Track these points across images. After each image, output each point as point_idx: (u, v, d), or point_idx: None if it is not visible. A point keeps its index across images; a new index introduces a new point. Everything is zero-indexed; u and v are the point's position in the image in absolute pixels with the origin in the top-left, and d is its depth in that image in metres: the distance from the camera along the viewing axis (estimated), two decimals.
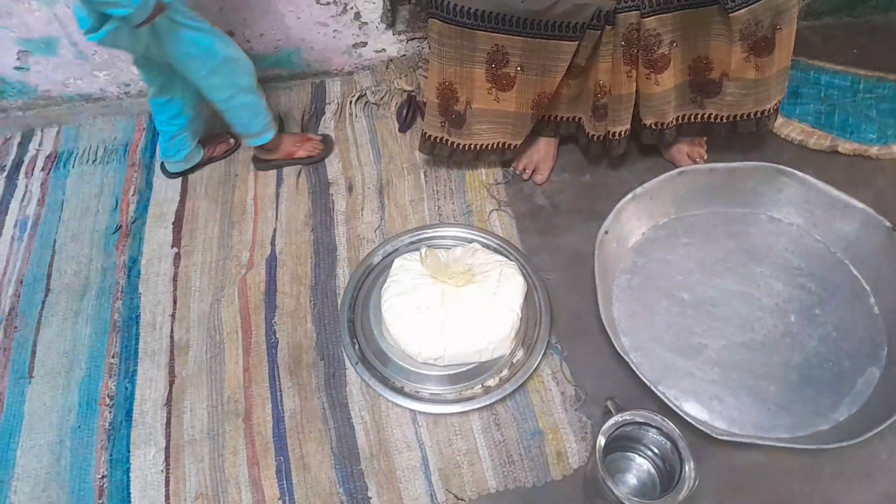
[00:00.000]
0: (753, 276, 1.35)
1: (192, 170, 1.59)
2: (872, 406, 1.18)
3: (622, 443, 1.09)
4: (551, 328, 1.28)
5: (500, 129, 1.42)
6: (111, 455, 1.20)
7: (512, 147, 1.46)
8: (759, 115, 1.36)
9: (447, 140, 1.43)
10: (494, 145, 1.45)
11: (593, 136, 1.41)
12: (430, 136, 1.43)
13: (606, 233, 1.34)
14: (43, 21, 1.53)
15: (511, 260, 1.34)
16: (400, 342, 1.22)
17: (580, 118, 1.44)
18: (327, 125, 1.68)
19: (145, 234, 1.50)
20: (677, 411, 1.12)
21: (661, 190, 1.41)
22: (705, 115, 1.41)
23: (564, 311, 1.33)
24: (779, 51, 1.25)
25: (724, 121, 1.39)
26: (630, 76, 1.28)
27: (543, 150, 1.53)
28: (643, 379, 1.16)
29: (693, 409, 1.20)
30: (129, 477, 1.18)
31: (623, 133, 1.38)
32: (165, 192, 1.57)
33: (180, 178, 1.59)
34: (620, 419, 1.00)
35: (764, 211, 1.44)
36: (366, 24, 1.68)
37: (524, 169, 1.55)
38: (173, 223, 1.51)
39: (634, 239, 1.42)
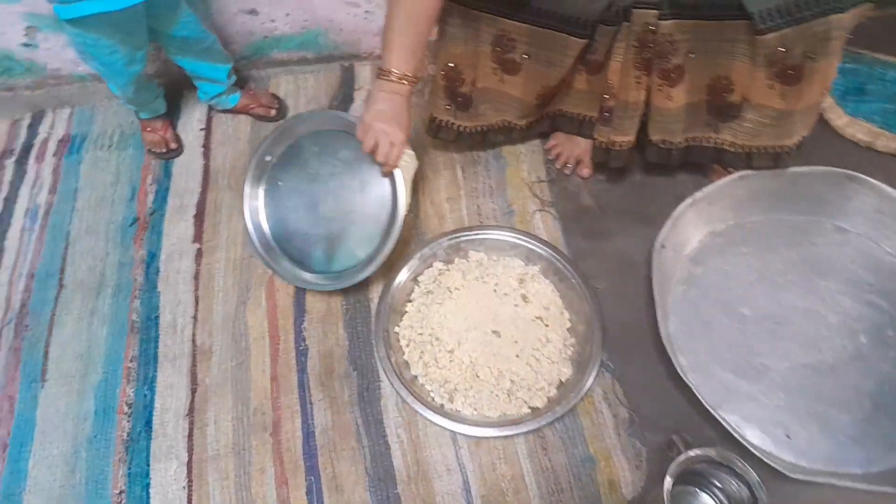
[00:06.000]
0: (818, 291, 1.26)
1: None
2: None
3: (686, 476, 1.00)
4: (603, 344, 1.19)
5: (504, 108, 1.34)
6: (129, 469, 1.12)
7: (518, 128, 1.38)
8: (777, 150, 1.22)
9: (452, 123, 1.35)
10: (500, 124, 1.38)
11: (600, 141, 1.30)
12: (436, 118, 1.36)
13: (664, 246, 1.24)
14: None
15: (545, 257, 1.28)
16: None
17: (591, 118, 1.33)
18: (357, 112, 1.57)
19: (164, 227, 1.41)
20: (743, 442, 1.03)
21: (720, 195, 1.31)
22: (719, 141, 1.26)
23: (614, 325, 1.24)
24: (808, 84, 1.09)
25: (739, 150, 1.25)
26: (639, 83, 1.16)
27: (584, 143, 1.42)
28: (705, 403, 1.07)
29: (756, 438, 1.11)
30: (148, 494, 1.10)
31: (623, 145, 1.27)
32: (186, 181, 1.48)
33: (202, 168, 1.49)
34: (693, 455, 0.91)
35: (829, 220, 1.34)
36: None
37: (565, 163, 1.44)
38: (194, 216, 1.42)
39: (691, 247, 1.32)
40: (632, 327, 1.24)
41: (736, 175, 1.30)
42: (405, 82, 1.10)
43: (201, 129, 1.56)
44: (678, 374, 1.11)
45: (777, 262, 1.30)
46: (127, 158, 1.52)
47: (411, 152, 1.40)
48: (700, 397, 1.08)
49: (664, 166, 1.33)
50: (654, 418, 1.14)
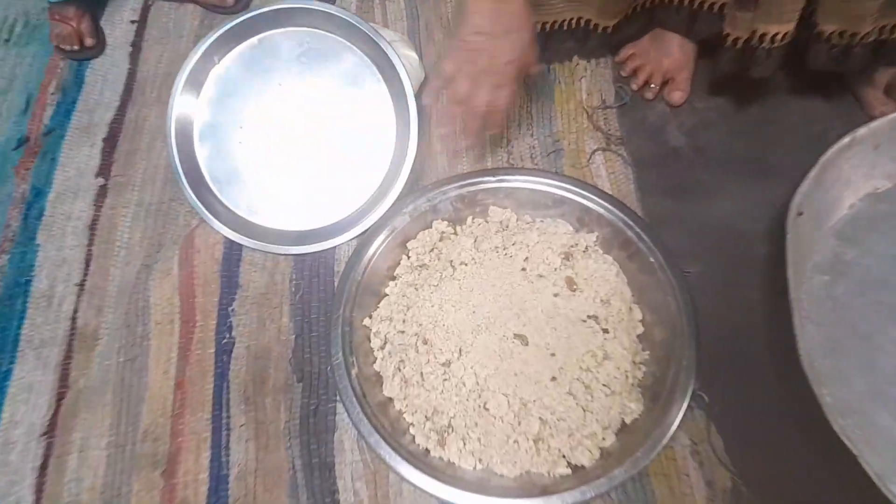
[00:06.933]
0: None
1: None
2: None
3: None
4: (697, 367, 0.74)
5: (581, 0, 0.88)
6: None
7: (600, 30, 0.92)
8: None
9: None
10: (573, 23, 0.91)
11: (733, 39, 0.82)
12: None
13: (800, 213, 0.77)
14: None
15: (628, 232, 0.79)
16: None
17: (713, 5, 0.86)
18: (354, 9, 1.12)
19: (61, 153, 1.00)
20: None
21: (894, 135, 0.83)
22: None
23: (712, 333, 0.78)
24: None
25: None
26: None
27: (678, 53, 0.95)
28: (867, 468, 0.63)
29: None
30: None
31: (780, 38, 0.79)
32: (101, 91, 1.06)
33: (126, 75, 1.07)
34: None
35: None
36: None
37: (649, 81, 0.97)
38: (104, 139, 1.01)
39: (838, 214, 0.85)
40: (741, 338, 0.79)
41: None
42: None
43: (133, 22, 1.14)
44: (817, 417, 0.66)
45: None
46: (28, 57, 1.11)
47: (415, 55, 0.96)
48: (860, 458, 0.63)
49: (807, 85, 0.85)
50: (775, 489, 0.69)
